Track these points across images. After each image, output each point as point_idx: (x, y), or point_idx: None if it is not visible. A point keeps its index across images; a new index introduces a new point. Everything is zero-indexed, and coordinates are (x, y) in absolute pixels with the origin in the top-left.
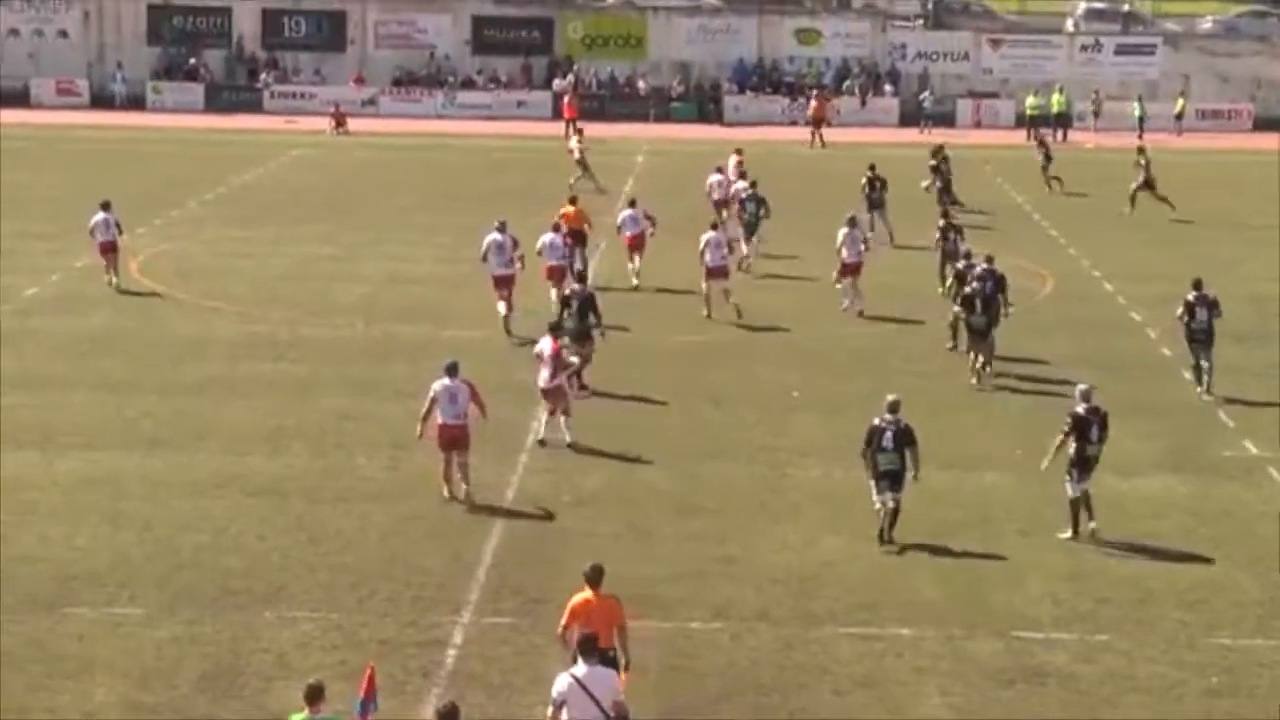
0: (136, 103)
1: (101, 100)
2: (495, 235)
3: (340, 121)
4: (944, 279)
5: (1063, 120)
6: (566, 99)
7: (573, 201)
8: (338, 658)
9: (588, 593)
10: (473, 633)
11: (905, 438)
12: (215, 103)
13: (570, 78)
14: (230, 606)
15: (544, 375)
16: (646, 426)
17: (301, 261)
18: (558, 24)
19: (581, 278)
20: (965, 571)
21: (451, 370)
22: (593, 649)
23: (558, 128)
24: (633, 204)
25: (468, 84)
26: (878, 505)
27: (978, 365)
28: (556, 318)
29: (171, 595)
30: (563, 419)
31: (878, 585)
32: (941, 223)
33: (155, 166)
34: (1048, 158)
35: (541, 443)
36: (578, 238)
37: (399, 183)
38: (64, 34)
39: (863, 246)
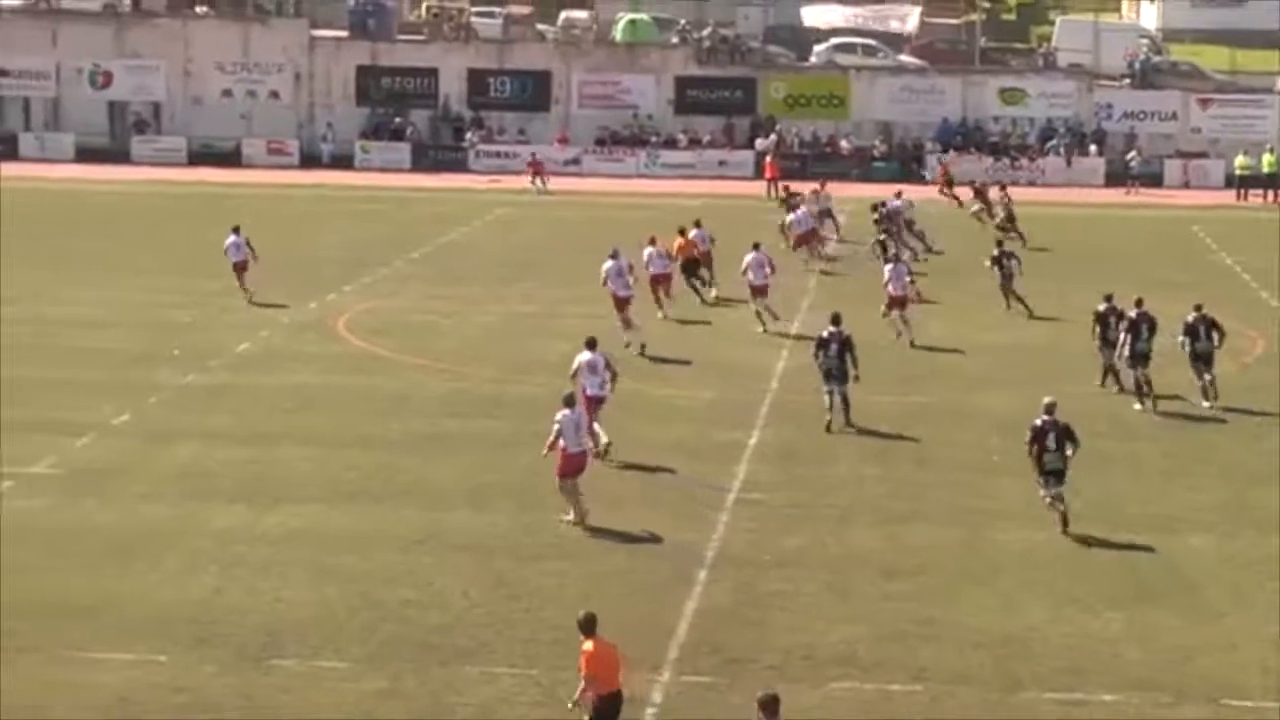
0: (344, 162)
1: (310, 160)
2: (611, 262)
3: (538, 171)
4: (1009, 302)
5: (1274, 180)
6: (769, 158)
7: (682, 232)
8: (539, 714)
9: (590, 644)
10: (672, 691)
11: (1067, 435)
12: (421, 162)
13: (773, 137)
14: (433, 661)
15: (595, 382)
16: (848, 486)
17: (505, 319)
18: (760, 84)
19: (835, 319)
20: (1170, 636)
21: (569, 401)
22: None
23: (759, 187)
24: (756, 247)
25: (670, 143)
26: (1046, 499)
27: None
28: (813, 355)
29: (375, 649)
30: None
31: (1081, 650)
32: (995, 251)
33: (362, 225)
34: None
35: (607, 448)
36: (692, 265)
37: (600, 241)
38: (275, 95)
39: (908, 279)
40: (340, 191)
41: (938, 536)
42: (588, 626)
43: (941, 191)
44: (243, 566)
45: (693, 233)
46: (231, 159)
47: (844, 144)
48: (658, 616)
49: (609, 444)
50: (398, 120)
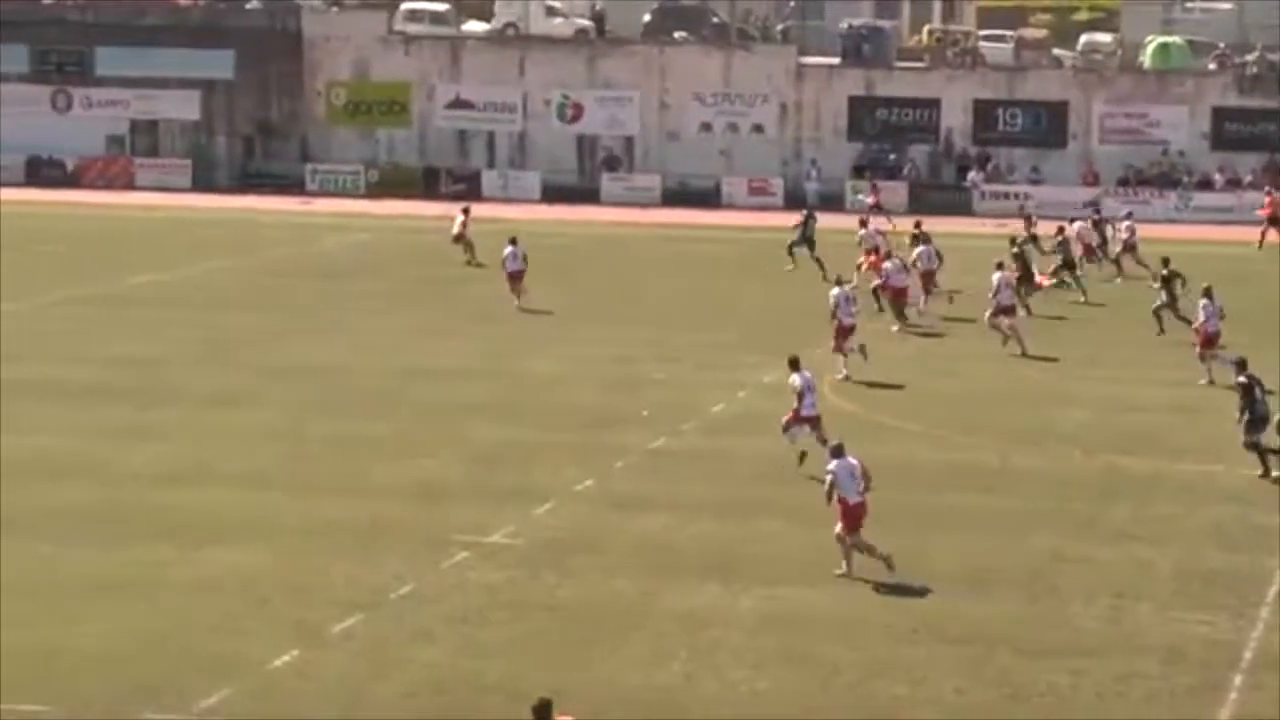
0: (832, 203)
1: (795, 200)
2: (837, 289)
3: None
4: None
5: None
6: None
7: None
8: None
9: None
10: None
11: None
12: (920, 203)
13: None
14: None
15: (809, 401)
16: None
17: (1010, 380)
18: None
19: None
20: None
21: (837, 451)
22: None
23: None
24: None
25: (1205, 184)
26: None
27: None
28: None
29: None
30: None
31: None
32: (1165, 271)
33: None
34: None
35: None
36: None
37: (1136, 297)
38: (758, 129)
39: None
40: (826, 236)
41: None
42: (544, 713)
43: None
44: (716, 652)
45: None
46: (709, 199)
47: None
48: None
49: (804, 453)
50: (893, 157)
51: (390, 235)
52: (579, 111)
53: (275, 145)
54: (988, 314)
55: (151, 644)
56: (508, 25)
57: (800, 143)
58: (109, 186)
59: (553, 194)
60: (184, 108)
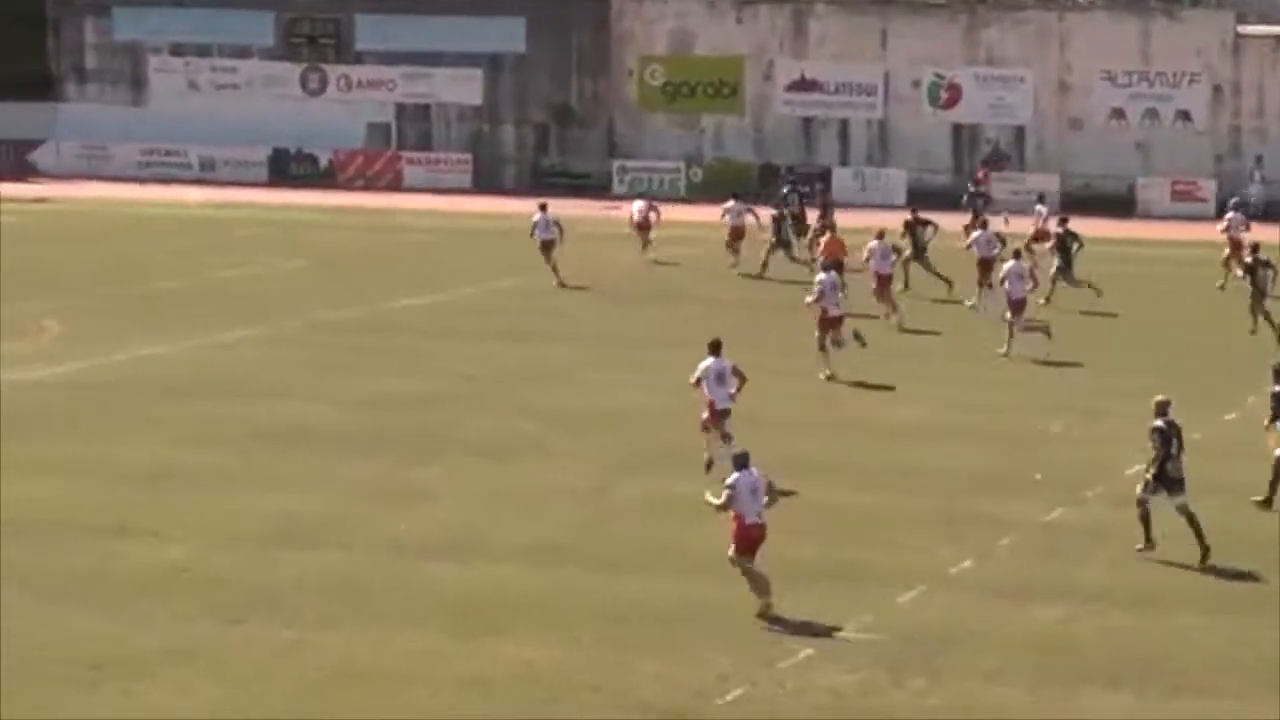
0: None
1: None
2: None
3: None
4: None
5: None
6: None
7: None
8: None
9: None
10: None
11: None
12: None
13: None
14: None
15: (722, 394)
16: None
17: None
18: None
19: None
20: None
21: (741, 462)
22: None
23: None
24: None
25: None
26: None
27: None
28: None
29: None
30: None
31: None
32: (1249, 259)
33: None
34: None
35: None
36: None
37: None
38: (1185, 117)
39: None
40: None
41: None
42: None
43: None
44: None
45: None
46: (1121, 205)
47: None
48: None
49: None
50: None
51: (715, 249)
52: (955, 95)
53: (575, 136)
54: None
55: None
56: None
57: (1239, 134)
58: (370, 186)
59: (921, 197)
60: (463, 90)
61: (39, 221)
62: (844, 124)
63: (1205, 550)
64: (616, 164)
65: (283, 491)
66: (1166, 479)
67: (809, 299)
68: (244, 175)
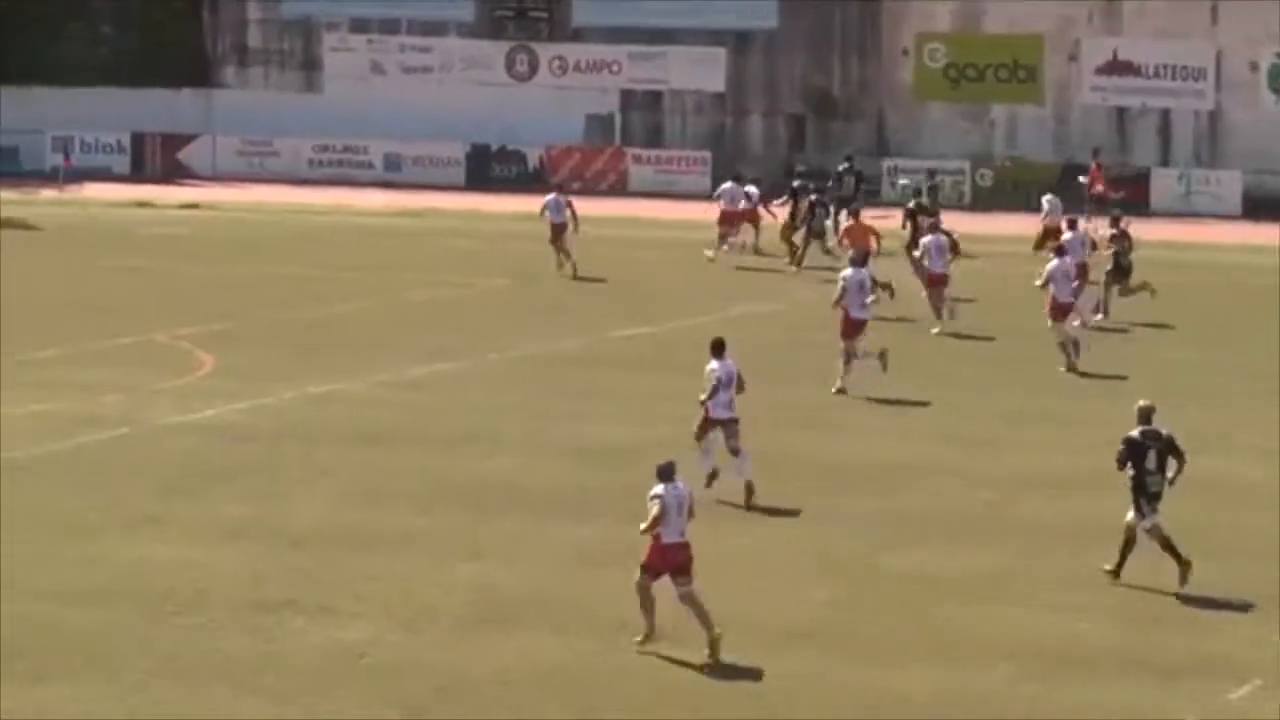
0: None
1: None
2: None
3: None
4: None
5: None
6: None
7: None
8: None
9: None
10: None
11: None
12: None
13: None
14: None
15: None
16: None
17: None
18: None
19: None
20: None
21: (666, 473)
22: None
23: None
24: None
25: None
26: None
27: None
28: None
29: None
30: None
31: None
32: None
33: None
34: None
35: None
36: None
37: None
38: None
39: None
40: None
41: None
42: None
43: None
44: None
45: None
46: None
47: None
48: None
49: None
50: None
51: (1005, 266)
52: None
53: (836, 130)
54: None
55: None
56: None
57: None
58: (589, 190)
59: (1259, 204)
60: (702, 74)
61: (191, 231)
62: (1165, 116)
63: (1185, 568)
64: (887, 164)
65: (479, 560)
66: (1147, 495)
67: (833, 300)
68: (436, 176)
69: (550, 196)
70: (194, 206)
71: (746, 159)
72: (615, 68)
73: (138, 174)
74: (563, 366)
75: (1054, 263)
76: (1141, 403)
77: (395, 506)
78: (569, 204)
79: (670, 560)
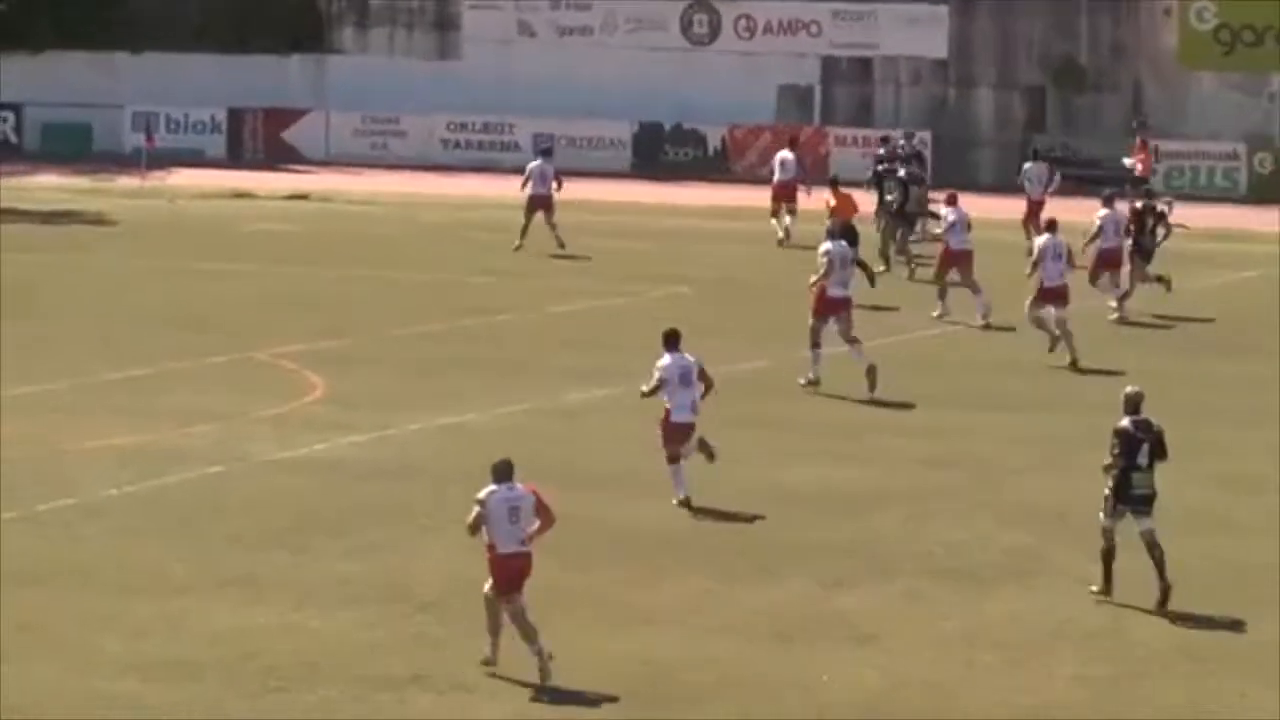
0: None
1: None
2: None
3: None
4: None
5: None
6: None
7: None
8: None
9: None
10: None
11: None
12: None
13: None
14: None
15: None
16: None
17: None
18: None
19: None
20: None
21: (502, 474)
22: None
23: None
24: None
25: None
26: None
27: None
28: None
29: None
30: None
31: None
32: None
33: None
34: None
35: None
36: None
37: None
38: None
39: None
40: None
41: None
42: None
43: None
44: None
45: None
46: None
47: None
48: None
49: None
50: None
51: None
52: None
53: (1083, 105)
54: None
55: None
56: None
57: None
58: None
59: None
60: (916, 37)
61: (300, 227)
62: None
63: (1165, 591)
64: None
65: (645, 626)
66: (1129, 496)
67: (813, 278)
68: (597, 160)
69: (535, 163)
70: (302, 198)
71: (973, 139)
72: (814, 29)
73: (235, 158)
74: (748, 391)
75: (1043, 238)
76: (1129, 389)
77: (541, 561)
78: (556, 175)
79: (510, 570)
